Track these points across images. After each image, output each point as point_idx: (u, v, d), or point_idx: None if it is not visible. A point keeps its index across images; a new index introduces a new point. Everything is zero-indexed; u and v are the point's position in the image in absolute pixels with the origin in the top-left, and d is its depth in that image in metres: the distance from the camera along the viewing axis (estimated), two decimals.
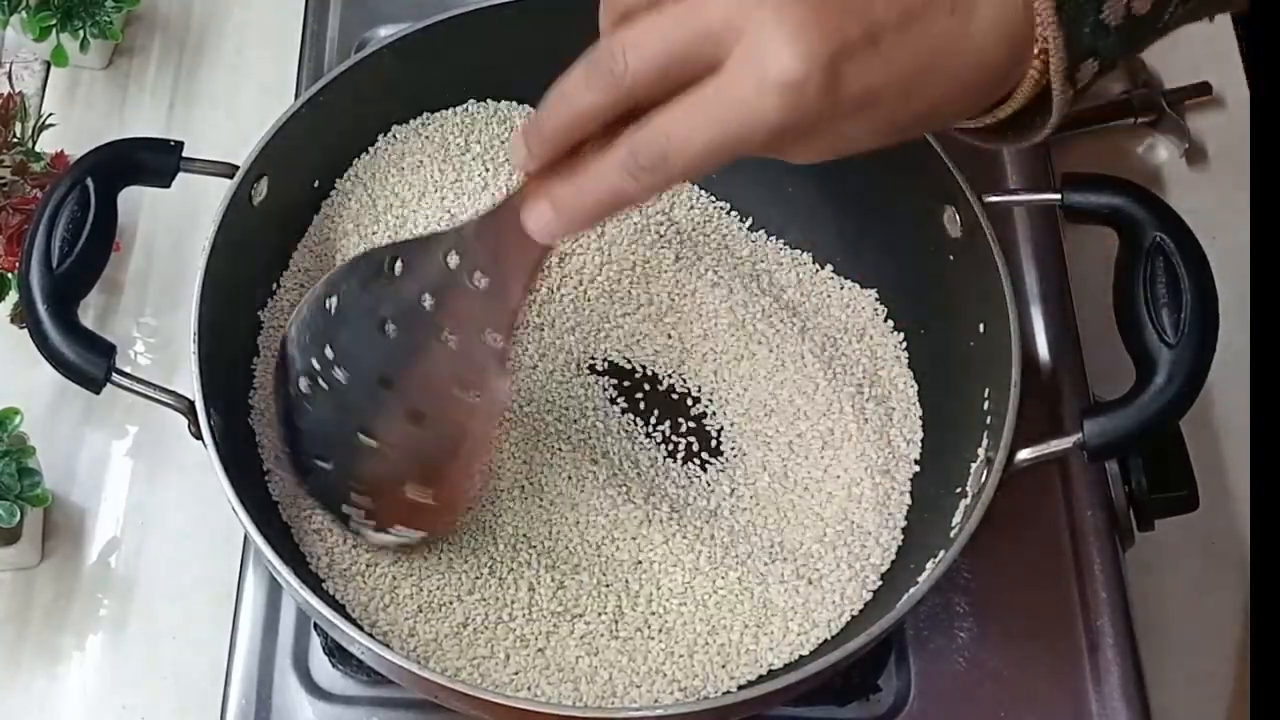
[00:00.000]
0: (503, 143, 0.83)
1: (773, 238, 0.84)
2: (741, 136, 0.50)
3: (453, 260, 0.66)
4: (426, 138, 0.83)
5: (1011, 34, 0.52)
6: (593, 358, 0.79)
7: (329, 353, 0.69)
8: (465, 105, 0.84)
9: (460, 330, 0.67)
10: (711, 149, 0.50)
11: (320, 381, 0.69)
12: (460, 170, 0.82)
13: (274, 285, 0.79)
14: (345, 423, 0.69)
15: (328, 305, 0.69)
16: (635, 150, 0.51)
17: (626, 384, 0.79)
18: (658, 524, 0.73)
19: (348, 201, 0.81)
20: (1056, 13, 0.51)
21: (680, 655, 0.71)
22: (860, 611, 0.72)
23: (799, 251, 0.83)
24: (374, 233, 0.80)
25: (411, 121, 0.83)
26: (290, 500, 0.74)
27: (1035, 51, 0.52)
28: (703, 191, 0.84)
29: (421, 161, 0.82)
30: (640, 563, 0.73)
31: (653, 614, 0.72)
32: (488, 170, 0.82)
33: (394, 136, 0.83)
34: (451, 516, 0.71)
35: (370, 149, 0.82)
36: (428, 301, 0.67)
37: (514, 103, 0.84)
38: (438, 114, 0.83)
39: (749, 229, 0.84)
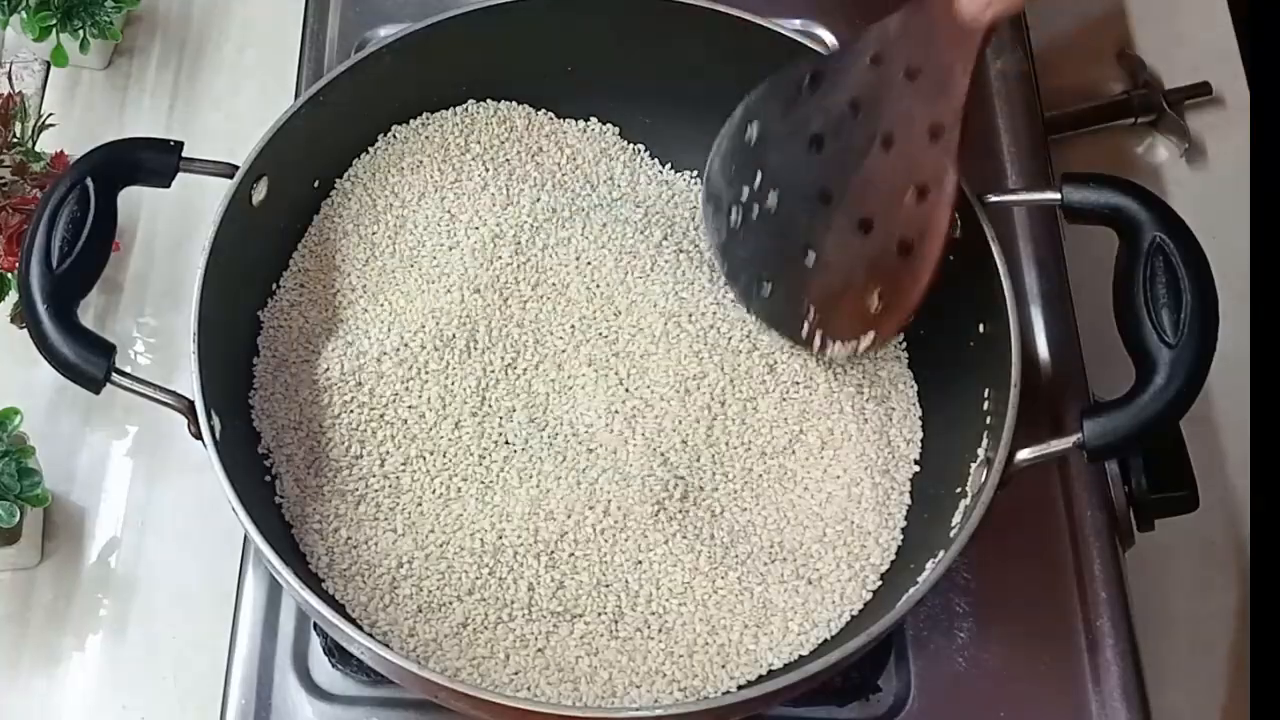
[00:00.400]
0: (503, 143, 0.84)
1: None
2: None
3: (878, 64, 0.65)
4: (426, 138, 0.83)
5: None
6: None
7: (759, 180, 0.68)
8: (465, 105, 0.84)
9: (901, 129, 0.66)
10: None
11: (754, 209, 0.69)
12: (460, 170, 0.82)
13: (274, 285, 0.79)
14: (788, 244, 0.69)
15: (748, 135, 0.68)
16: None
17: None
18: (658, 524, 0.73)
19: (348, 201, 0.81)
20: None
21: (680, 655, 0.71)
22: (860, 611, 0.72)
23: None
24: (374, 233, 0.80)
25: (411, 121, 0.83)
26: (294, 498, 0.74)
27: None
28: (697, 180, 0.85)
29: (421, 161, 0.82)
30: (640, 563, 0.73)
31: (653, 614, 0.72)
32: (488, 170, 0.82)
33: (394, 136, 0.83)
34: (902, 316, 0.71)
35: (370, 149, 0.82)
36: (859, 108, 0.66)
37: (514, 103, 0.85)
38: (438, 114, 0.83)
39: None
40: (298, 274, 0.79)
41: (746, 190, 0.69)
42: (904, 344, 0.79)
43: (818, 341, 0.74)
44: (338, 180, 0.81)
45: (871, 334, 0.72)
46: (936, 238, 0.69)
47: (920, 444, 0.76)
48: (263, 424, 0.75)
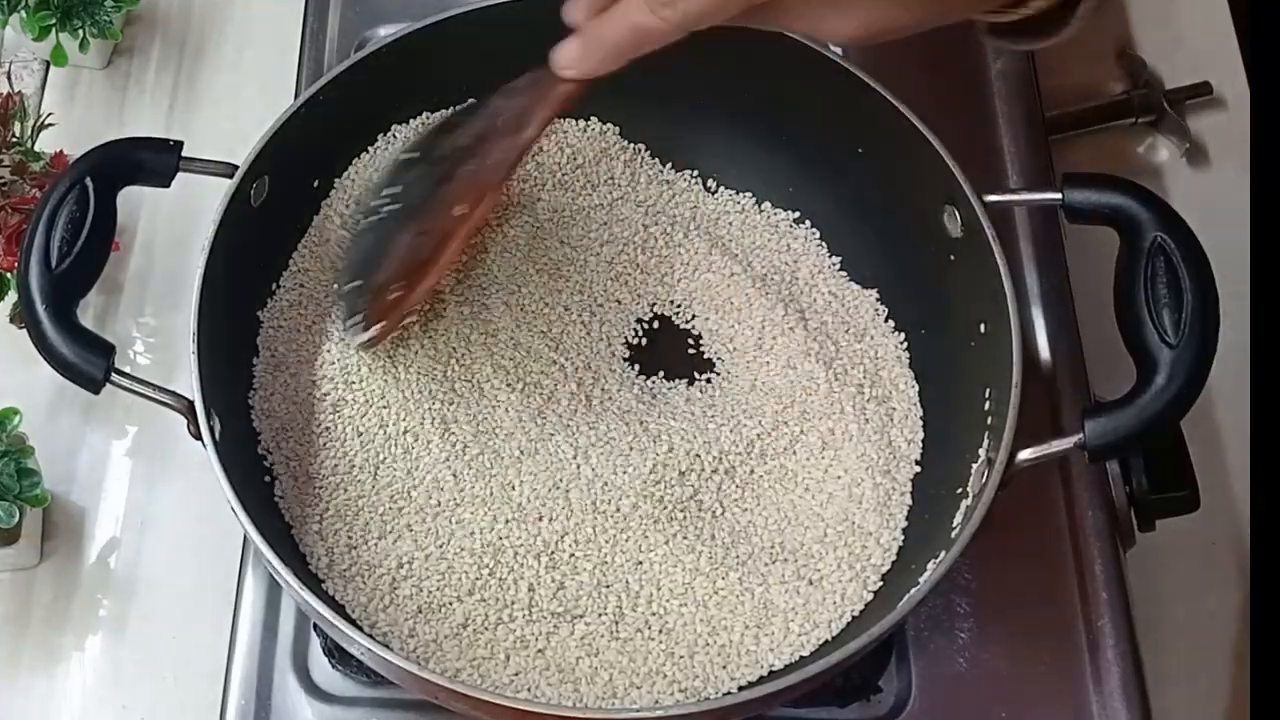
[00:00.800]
0: None
1: None
2: None
3: (497, 113, 0.69)
4: None
5: None
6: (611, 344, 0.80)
7: (386, 192, 0.72)
8: (465, 105, 0.84)
9: (477, 158, 0.70)
10: None
11: (371, 216, 0.72)
12: None
13: (274, 285, 0.79)
14: (377, 246, 0.72)
15: (403, 157, 0.73)
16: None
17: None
18: (659, 525, 0.73)
19: (348, 201, 0.81)
20: None
21: (681, 656, 0.71)
22: (861, 612, 0.72)
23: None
24: None
25: (411, 121, 0.83)
26: (294, 498, 0.74)
27: None
28: (717, 182, 0.85)
29: None
30: (640, 563, 0.73)
31: (653, 615, 0.72)
32: None
33: (394, 136, 0.83)
34: (406, 309, 0.74)
35: (370, 149, 0.82)
36: (466, 140, 0.70)
37: None
38: (438, 114, 0.83)
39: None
40: (297, 274, 0.79)
41: (375, 200, 0.73)
42: (905, 344, 0.79)
43: (357, 329, 0.74)
44: (337, 180, 0.81)
45: (381, 324, 0.74)
46: (453, 249, 0.72)
47: (921, 444, 0.76)
48: (262, 424, 0.75)
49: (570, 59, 0.60)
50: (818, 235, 0.83)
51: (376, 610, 0.71)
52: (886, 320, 0.80)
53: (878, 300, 0.81)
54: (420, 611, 0.71)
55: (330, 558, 0.72)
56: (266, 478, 0.74)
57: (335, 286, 0.77)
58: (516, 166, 0.71)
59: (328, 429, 0.75)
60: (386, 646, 0.68)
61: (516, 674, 0.70)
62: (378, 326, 0.74)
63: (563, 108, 0.67)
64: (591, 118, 0.85)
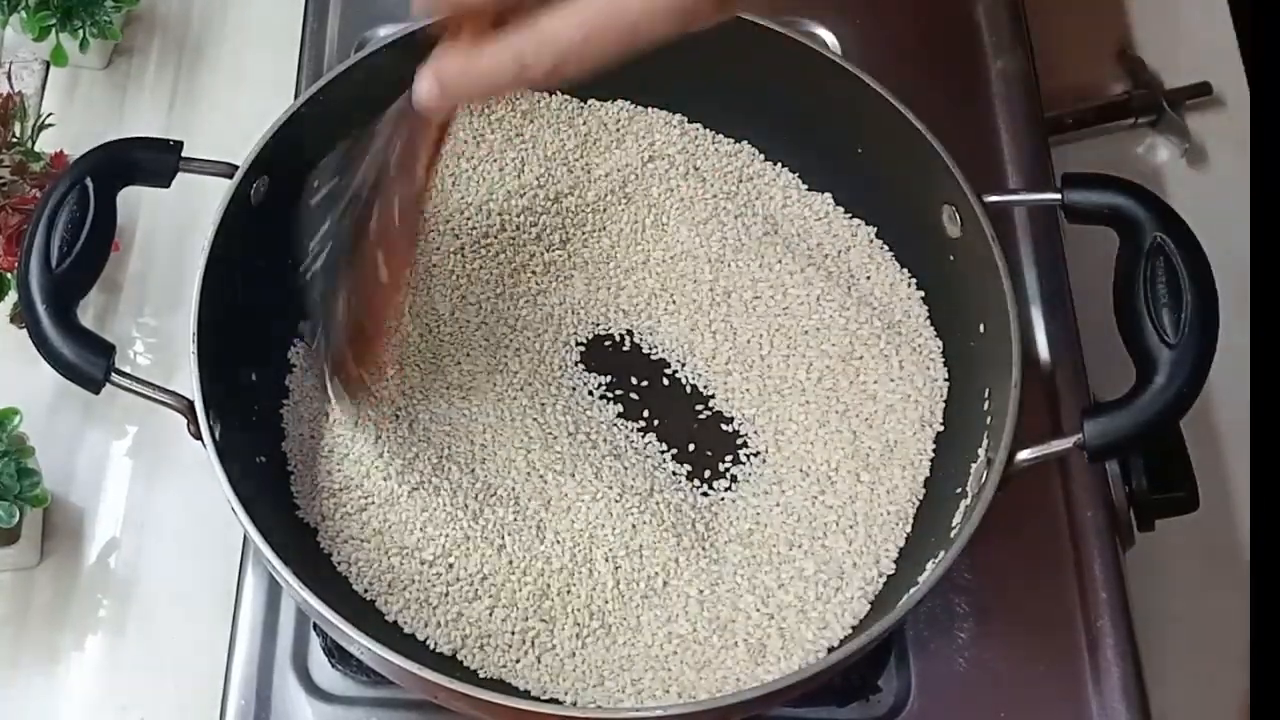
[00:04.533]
0: (510, 138, 0.83)
1: None
2: (635, 39, 0.51)
3: (388, 145, 0.65)
4: None
5: None
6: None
7: (321, 231, 0.69)
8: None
9: (381, 210, 0.67)
10: (602, 53, 0.52)
11: (314, 262, 0.69)
12: (458, 169, 0.82)
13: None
14: (322, 304, 0.70)
15: (315, 196, 0.69)
16: (523, 49, 0.52)
17: (632, 381, 0.80)
18: (661, 528, 0.73)
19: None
20: None
21: (681, 656, 0.71)
22: (866, 614, 0.72)
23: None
24: None
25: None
26: (306, 496, 0.74)
27: None
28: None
29: None
30: (641, 564, 0.73)
31: (654, 614, 0.72)
32: (492, 161, 0.82)
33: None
34: (364, 372, 0.71)
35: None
36: (367, 185, 0.67)
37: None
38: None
39: None
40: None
41: (314, 244, 0.69)
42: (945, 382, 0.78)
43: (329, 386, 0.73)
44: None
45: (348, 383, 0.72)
46: (380, 326, 0.70)
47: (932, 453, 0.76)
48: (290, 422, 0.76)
49: (426, 96, 0.56)
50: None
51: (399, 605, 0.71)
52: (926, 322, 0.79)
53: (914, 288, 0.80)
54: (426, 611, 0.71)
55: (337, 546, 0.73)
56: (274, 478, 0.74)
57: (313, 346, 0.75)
58: (417, 216, 0.68)
59: (336, 424, 0.75)
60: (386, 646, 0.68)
61: (515, 674, 0.70)
62: (342, 386, 0.72)
63: (442, 141, 0.64)
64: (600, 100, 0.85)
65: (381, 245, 0.67)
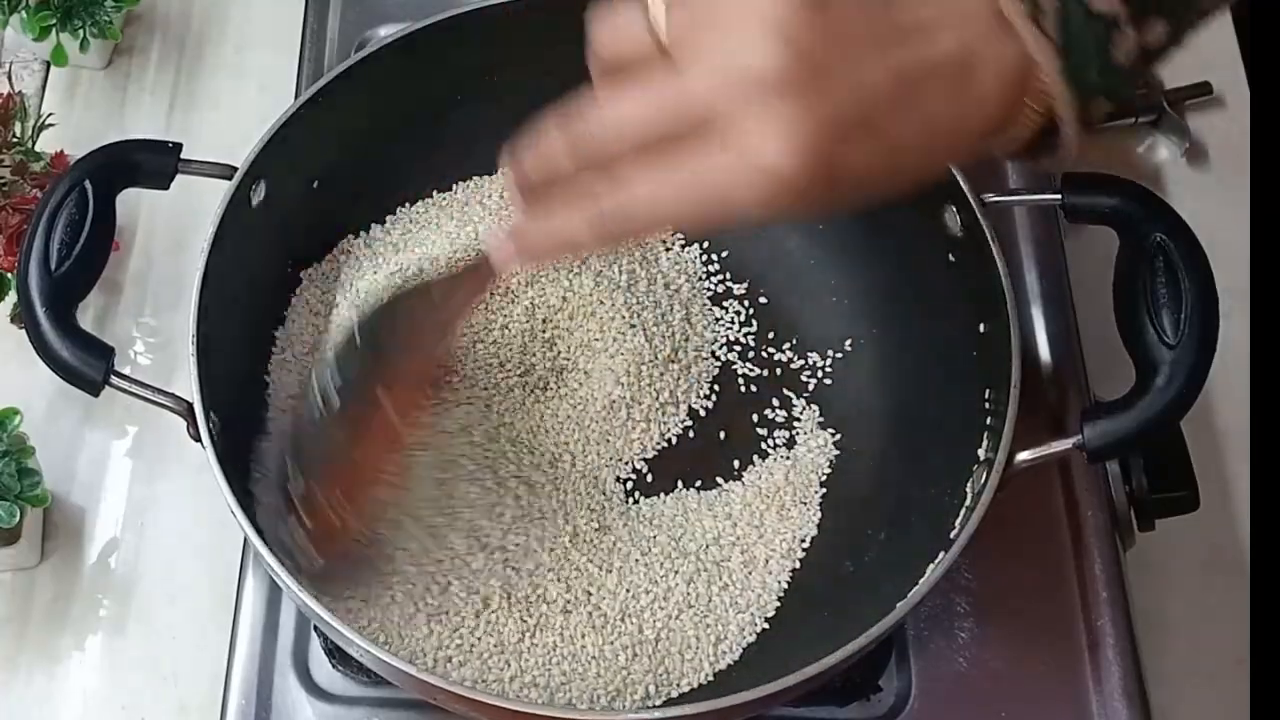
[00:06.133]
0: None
1: None
2: (721, 216, 0.50)
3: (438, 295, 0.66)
4: None
5: (1013, 92, 0.51)
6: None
7: (338, 379, 0.68)
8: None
9: (405, 348, 0.67)
10: (682, 221, 0.53)
11: (325, 407, 0.68)
12: None
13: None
14: (323, 441, 0.69)
15: (356, 339, 0.68)
16: (604, 212, 0.52)
17: None
18: (663, 528, 0.73)
19: None
20: (1062, 69, 0.50)
21: (681, 656, 0.71)
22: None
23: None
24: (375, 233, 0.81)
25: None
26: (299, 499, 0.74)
27: (1038, 102, 0.51)
28: None
29: None
30: (642, 564, 0.73)
31: (654, 615, 0.72)
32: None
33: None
34: (332, 544, 0.69)
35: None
36: (403, 322, 0.67)
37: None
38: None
39: None
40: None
41: (331, 387, 0.68)
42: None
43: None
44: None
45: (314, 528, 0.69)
46: (368, 472, 0.69)
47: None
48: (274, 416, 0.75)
49: (503, 255, 0.57)
50: (816, 235, 0.83)
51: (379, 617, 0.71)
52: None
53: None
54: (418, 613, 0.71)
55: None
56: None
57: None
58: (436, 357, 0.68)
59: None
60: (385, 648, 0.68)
61: (514, 675, 0.70)
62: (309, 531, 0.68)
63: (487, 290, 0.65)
64: None
65: (393, 387, 0.67)
